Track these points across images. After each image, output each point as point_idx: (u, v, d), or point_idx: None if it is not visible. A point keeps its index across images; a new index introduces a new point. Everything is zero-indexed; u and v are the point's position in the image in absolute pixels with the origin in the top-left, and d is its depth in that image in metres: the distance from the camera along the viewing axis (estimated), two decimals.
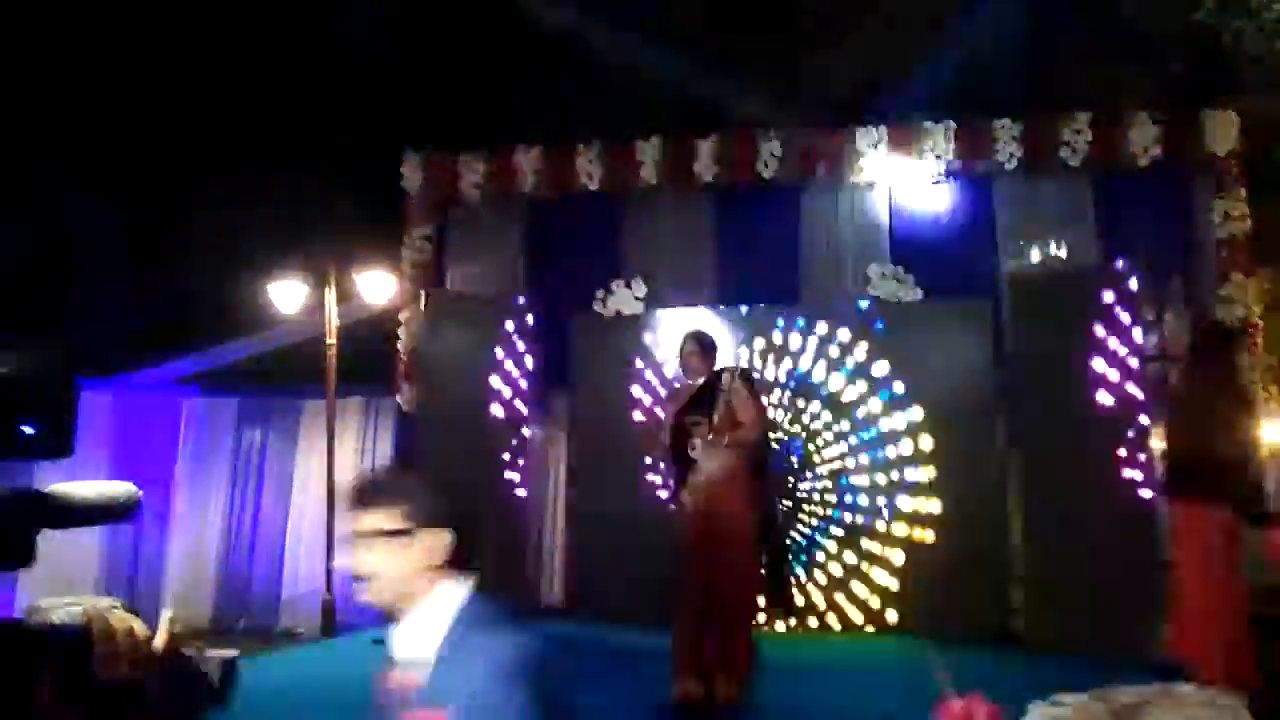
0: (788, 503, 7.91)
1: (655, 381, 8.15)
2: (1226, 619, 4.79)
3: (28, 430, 1.02)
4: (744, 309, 8.27)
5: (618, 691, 5.09)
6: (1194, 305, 7.79)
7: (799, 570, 7.81)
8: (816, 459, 7.98)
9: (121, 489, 1.11)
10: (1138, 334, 6.86)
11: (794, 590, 7.48)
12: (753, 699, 5.20)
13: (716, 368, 5.36)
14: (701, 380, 5.28)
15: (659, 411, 5.77)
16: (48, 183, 10.06)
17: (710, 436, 5.02)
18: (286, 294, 8.42)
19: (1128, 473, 6.62)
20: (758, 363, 8.12)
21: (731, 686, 4.95)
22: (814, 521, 7.91)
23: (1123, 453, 6.66)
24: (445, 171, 8.76)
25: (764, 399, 7.01)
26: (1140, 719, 3.13)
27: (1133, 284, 6.89)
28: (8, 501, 1.02)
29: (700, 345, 5.37)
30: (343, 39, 11.47)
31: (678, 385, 5.72)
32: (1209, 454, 4.80)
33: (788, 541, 7.61)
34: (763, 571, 5.65)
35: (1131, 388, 6.75)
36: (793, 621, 7.50)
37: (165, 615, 1.09)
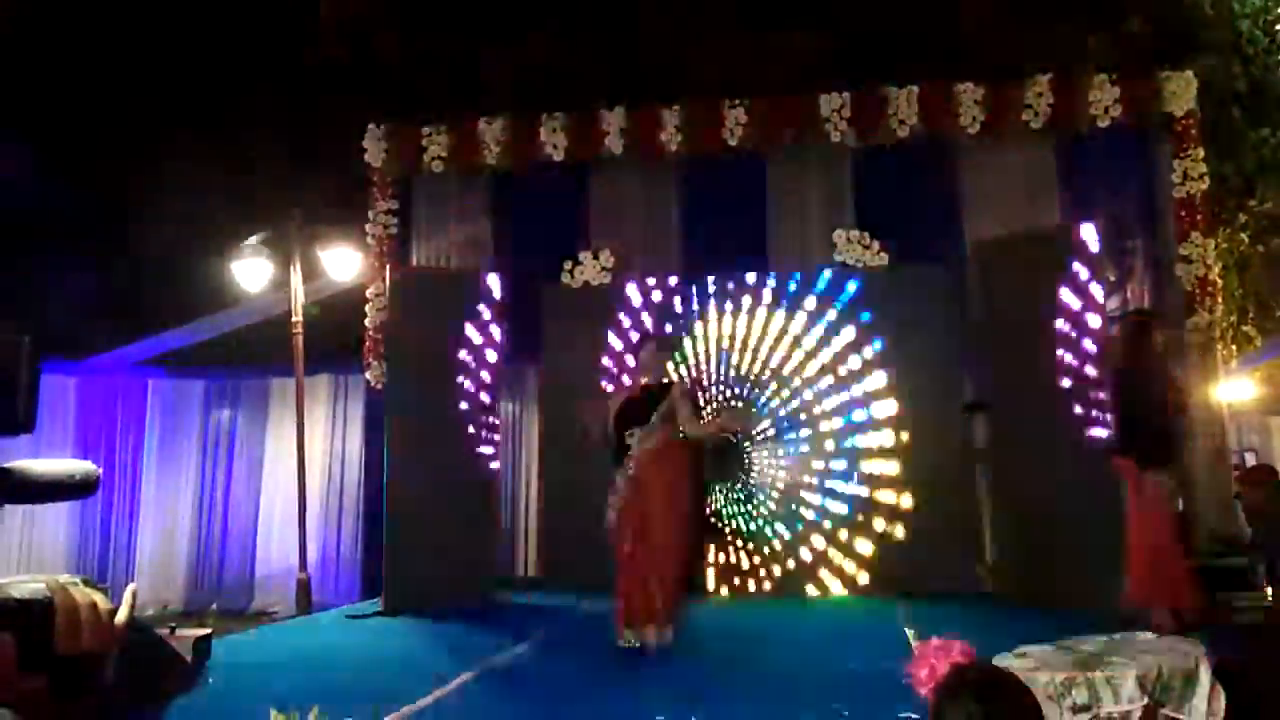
0: (758, 481, 8.01)
1: (624, 351, 8.18)
2: (1172, 560, 5.52)
3: None
4: (711, 277, 8.29)
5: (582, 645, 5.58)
6: (1155, 265, 7.92)
7: (769, 537, 7.92)
8: (784, 425, 8.05)
9: (80, 466, 1.11)
10: (1100, 294, 6.95)
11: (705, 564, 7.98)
12: (725, 660, 5.30)
13: (666, 380, 5.97)
14: (649, 381, 5.83)
15: (610, 398, 6.14)
16: (5, 163, 9.86)
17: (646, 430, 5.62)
18: (251, 272, 8.33)
19: (1091, 431, 6.73)
20: (725, 329, 8.19)
21: (662, 633, 5.51)
22: (781, 486, 7.99)
23: (1086, 412, 6.76)
24: (408, 145, 8.67)
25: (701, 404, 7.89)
26: (1102, 667, 3.21)
27: (1095, 245, 6.97)
28: None
29: (665, 350, 6.20)
30: (304, 11, 11.28)
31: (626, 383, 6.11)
32: (1148, 422, 5.62)
33: (714, 519, 7.99)
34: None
35: (1094, 348, 6.84)
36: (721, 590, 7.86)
37: (129, 590, 1.09)
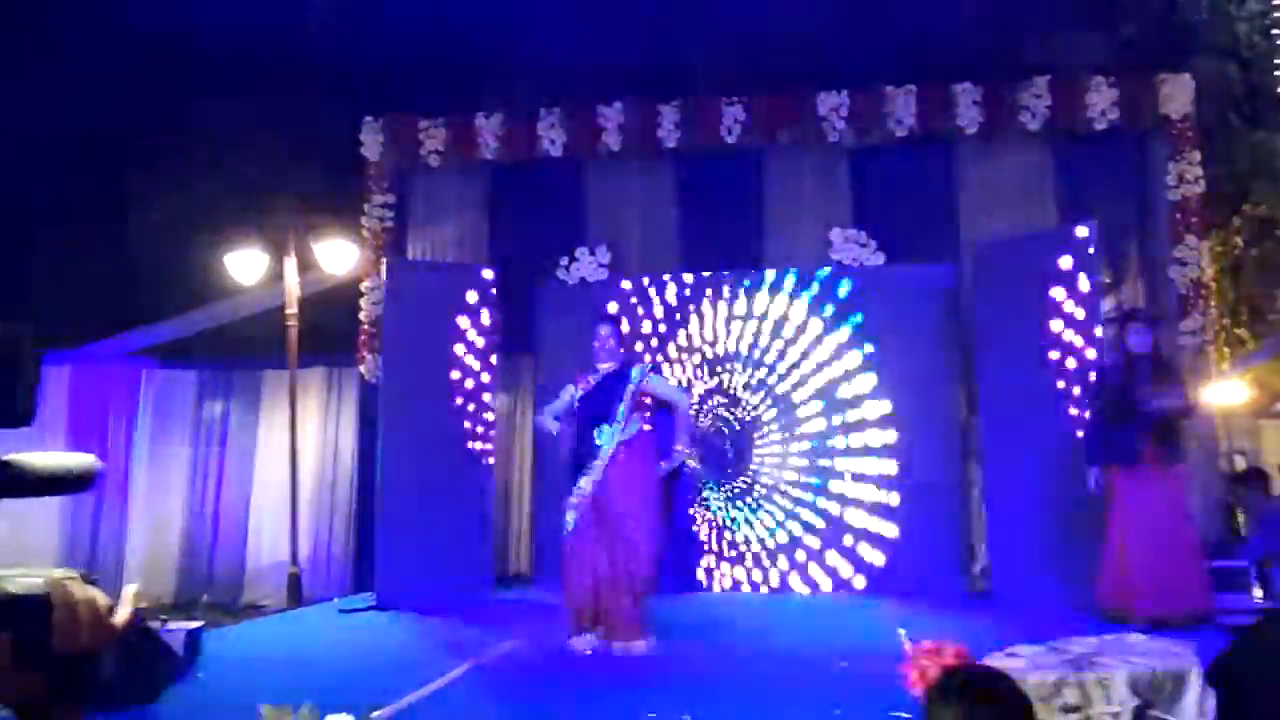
0: (752, 480, 8.01)
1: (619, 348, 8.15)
2: (1190, 559, 5.70)
3: None
4: (707, 274, 8.29)
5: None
6: (1150, 267, 7.94)
7: (746, 535, 7.93)
8: (778, 424, 8.05)
9: (80, 459, 1.10)
10: (1096, 296, 6.96)
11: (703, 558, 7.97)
12: (716, 658, 5.30)
13: (622, 365, 5.71)
14: (610, 366, 5.63)
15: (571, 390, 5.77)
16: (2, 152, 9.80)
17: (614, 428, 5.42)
18: (246, 264, 8.30)
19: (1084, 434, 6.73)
20: (720, 329, 8.18)
21: (630, 640, 5.34)
22: (776, 485, 7.99)
23: (1080, 414, 6.77)
24: (405, 138, 8.66)
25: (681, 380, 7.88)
26: (1093, 668, 3.22)
27: (1091, 247, 6.98)
28: None
29: (619, 331, 5.84)
30: (300, 3, 11.23)
31: (584, 372, 5.82)
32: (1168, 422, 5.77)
33: (691, 512, 7.95)
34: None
35: (1090, 350, 6.85)
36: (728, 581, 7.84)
37: (129, 589, 1.08)
